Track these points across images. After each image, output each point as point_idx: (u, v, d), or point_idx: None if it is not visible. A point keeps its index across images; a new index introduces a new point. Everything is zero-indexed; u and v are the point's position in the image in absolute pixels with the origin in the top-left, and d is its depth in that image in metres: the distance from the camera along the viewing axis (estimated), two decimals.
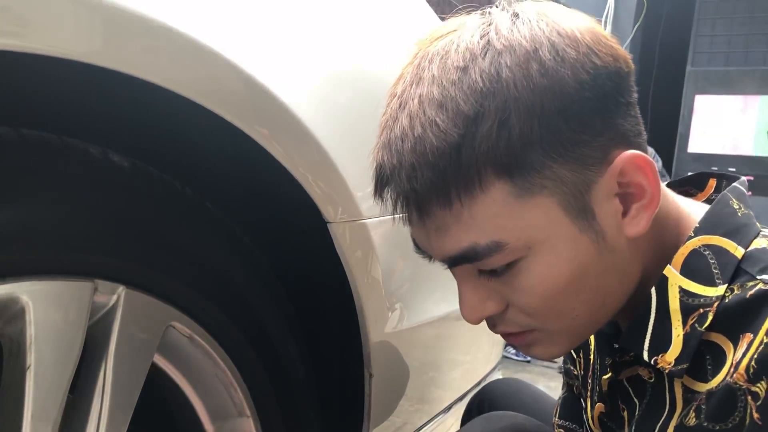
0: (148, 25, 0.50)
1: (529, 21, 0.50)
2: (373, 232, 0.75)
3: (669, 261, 0.54)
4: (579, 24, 0.51)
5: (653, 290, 0.54)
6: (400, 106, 0.51)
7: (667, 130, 7.63)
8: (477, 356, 1.19)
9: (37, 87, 0.58)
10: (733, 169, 7.15)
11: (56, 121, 0.60)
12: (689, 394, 0.53)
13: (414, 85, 0.51)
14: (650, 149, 4.40)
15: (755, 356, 0.46)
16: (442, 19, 0.59)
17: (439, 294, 0.92)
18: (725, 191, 0.56)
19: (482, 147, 0.47)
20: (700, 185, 0.63)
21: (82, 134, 0.60)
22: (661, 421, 0.55)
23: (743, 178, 0.59)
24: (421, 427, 0.99)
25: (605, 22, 7.67)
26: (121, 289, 0.60)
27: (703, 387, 0.51)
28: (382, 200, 0.54)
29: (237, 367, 0.71)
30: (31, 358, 0.54)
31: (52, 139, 0.58)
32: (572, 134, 0.48)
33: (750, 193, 0.56)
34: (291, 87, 0.64)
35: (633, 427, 0.59)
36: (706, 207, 0.56)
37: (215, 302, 0.69)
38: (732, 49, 7.52)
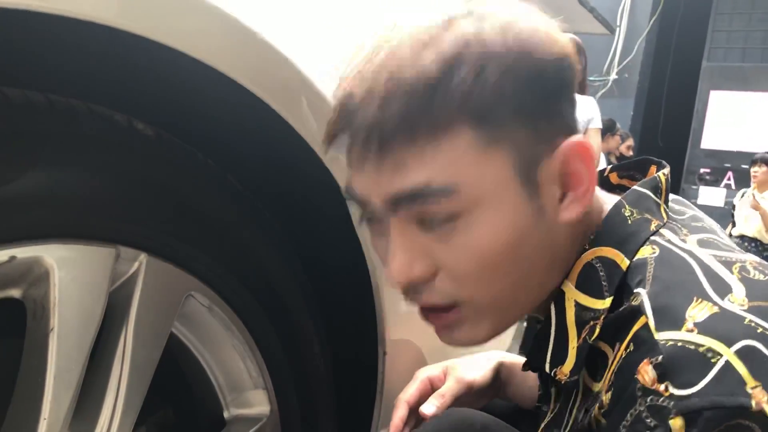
0: None
1: (494, 14, 0.51)
2: None
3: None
4: (539, 23, 0.53)
5: (552, 305, 0.58)
6: (376, 48, 0.51)
7: (680, 125, 7.57)
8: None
9: (62, 52, 0.58)
10: (747, 166, 7.10)
11: (82, 87, 0.60)
12: (587, 391, 0.56)
13: (389, 34, 0.51)
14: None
15: (614, 368, 0.50)
16: None
17: None
18: (621, 198, 0.58)
19: (457, 91, 0.48)
20: (643, 170, 0.65)
21: (108, 102, 0.60)
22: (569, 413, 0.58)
23: (665, 169, 0.61)
24: None
25: (621, 14, 7.60)
26: (143, 257, 0.60)
27: (596, 387, 0.54)
28: (334, 137, 0.52)
29: (254, 340, 0.72)
30: (54, 321, 0.54)
31: (79, 105, 0.58)
32: (536, 104, 0.51)
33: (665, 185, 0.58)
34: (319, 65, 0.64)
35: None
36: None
37: (235, 274, 0.69)
38: (749, 45, 7.43)
